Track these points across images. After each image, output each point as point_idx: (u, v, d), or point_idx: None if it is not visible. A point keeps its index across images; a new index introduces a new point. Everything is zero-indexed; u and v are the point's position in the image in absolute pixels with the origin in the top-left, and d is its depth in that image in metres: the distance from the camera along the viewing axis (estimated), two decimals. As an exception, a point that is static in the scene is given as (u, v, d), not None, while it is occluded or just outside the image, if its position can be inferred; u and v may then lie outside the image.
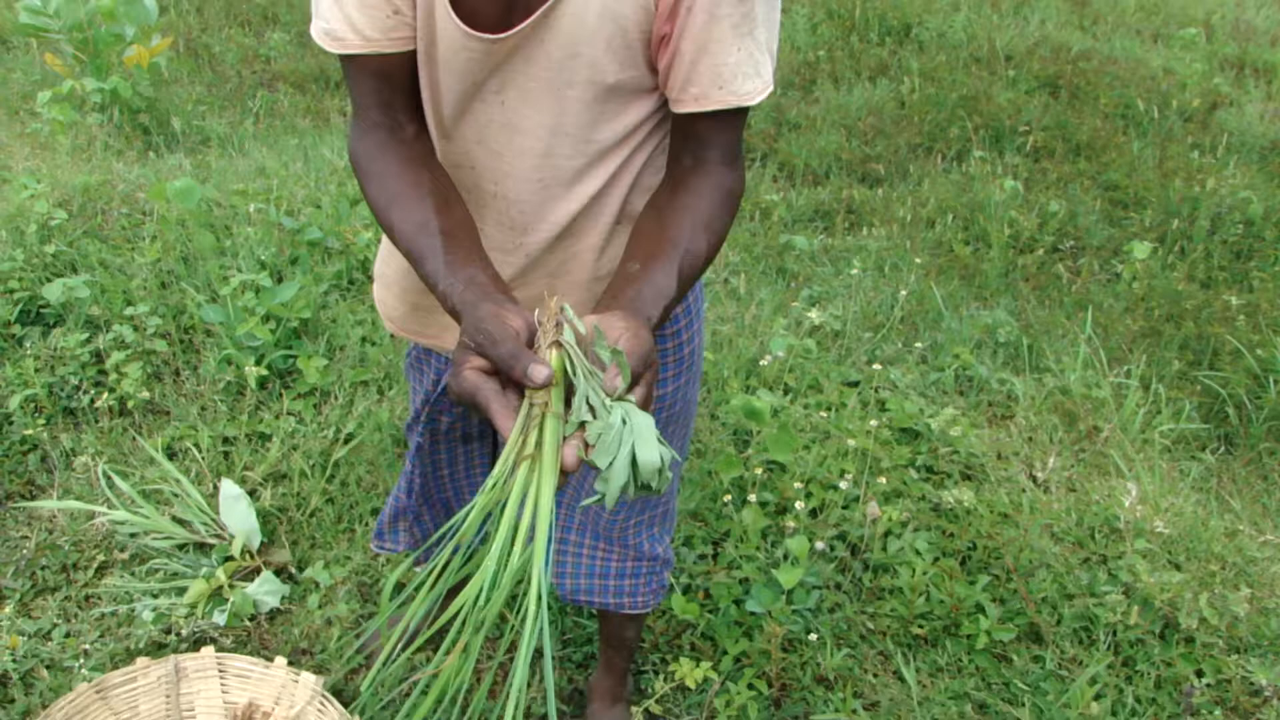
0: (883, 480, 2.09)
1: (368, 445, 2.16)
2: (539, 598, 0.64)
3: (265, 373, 2.29)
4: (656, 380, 0.76)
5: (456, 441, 1.33)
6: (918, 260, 3.19)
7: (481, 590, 0.65)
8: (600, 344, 0.73)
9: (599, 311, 0.80)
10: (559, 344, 0.73)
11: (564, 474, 0.70)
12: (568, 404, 0.73)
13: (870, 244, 3.29)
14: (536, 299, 1.06)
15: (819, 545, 1.91)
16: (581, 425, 0.71)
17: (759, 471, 2.10)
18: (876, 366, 2.49)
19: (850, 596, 1.91)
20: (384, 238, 1.15)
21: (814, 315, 2.68)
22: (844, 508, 2.09)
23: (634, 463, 0.68)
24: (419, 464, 1.33)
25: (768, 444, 2.05)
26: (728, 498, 2.05)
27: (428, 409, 1.25)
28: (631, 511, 1.29)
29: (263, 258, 2.66)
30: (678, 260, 0.86)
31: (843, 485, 2.01)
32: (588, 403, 0.71)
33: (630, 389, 0.73)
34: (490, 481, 0.69)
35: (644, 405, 0.73)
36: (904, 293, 2.93)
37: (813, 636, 1.77)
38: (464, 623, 0.66)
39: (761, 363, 2.50)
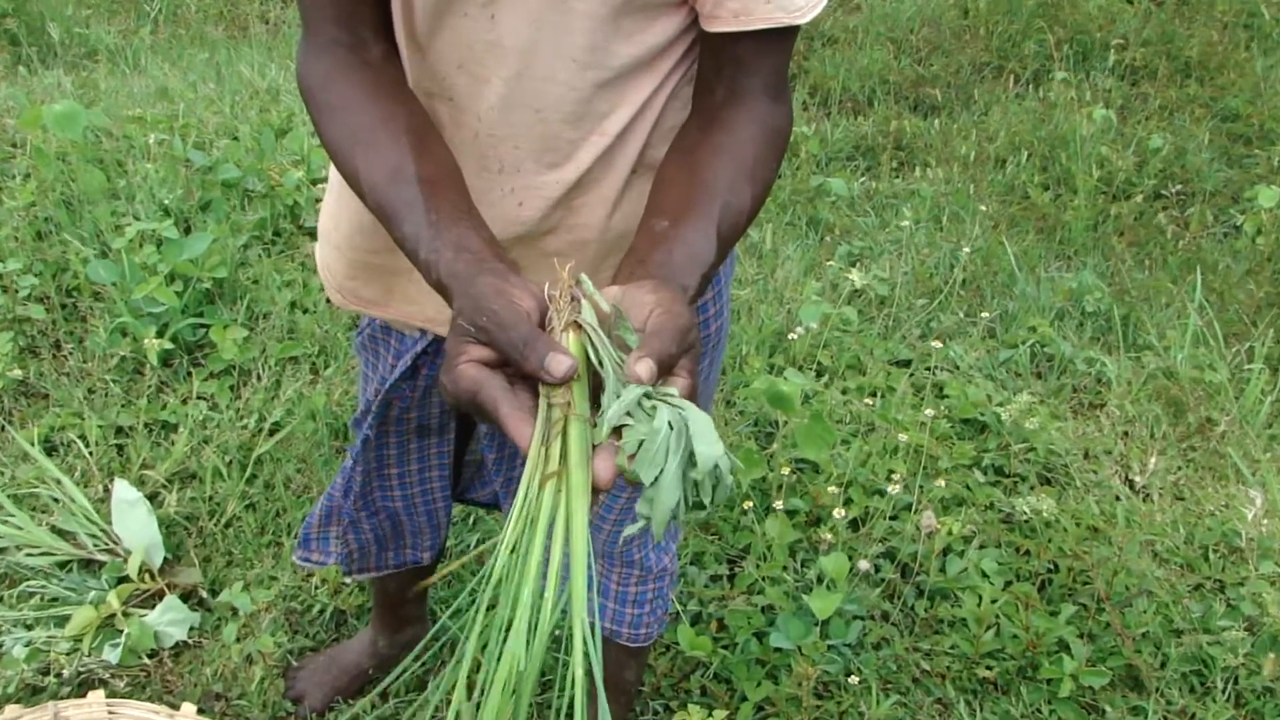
0: (941, 484, 2.08)
1: (298, 438, 2.15)
2: (586, 661, 0.65)
3: (170, 346, 2.27)
4: (698, 365, 0.74)
5: (410, 434, 1.32)
6: (984, 208, 3.18)
7: (515, 654, 0.65)
8: (624, 325, 0.74)
9: (623, 282, 0.79)
10: (578, 325, 0.74)
11: (596, 493, 0.70)
12: (594, 402, 0.73)
13: (924, 188, 3.26)
14: (535, 266, 1.04)
15: (861, 565, 1.90)
16: (616, 430, 0.71)
17: (786, 472, 2.08)
18: (933, 343, 2.46)
19: (901, 629, 1.90)
20: (330, 188, 1.14)
21: (854, 277, 2.65)
22: (892, 518, 2.07)
23: (685, 474, 0.69)
24: (362, 459, 1.33)
25: (797, 438, 2.01)
26: (748, 505, 2.03)
27: (380, 396, 1.24)
28: (631, 518, 1.30)
29: (166, 202, 2.63)
30: (715, 216, 0.85)
31: (891, 490, 2.00)
32: (618, 399, 0.71)
33: (665, 376, 0.73)
34: (515, 511, 0.69)
35: (691, 395, 0.73)
36: (966, 250, 2.91)
37: (854, 679, 1.75)
38: (503, 691, 0.66)
39: (790, 336, 2.48)
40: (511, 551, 0.68)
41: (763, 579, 1.91)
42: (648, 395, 0.71)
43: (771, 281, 2.73)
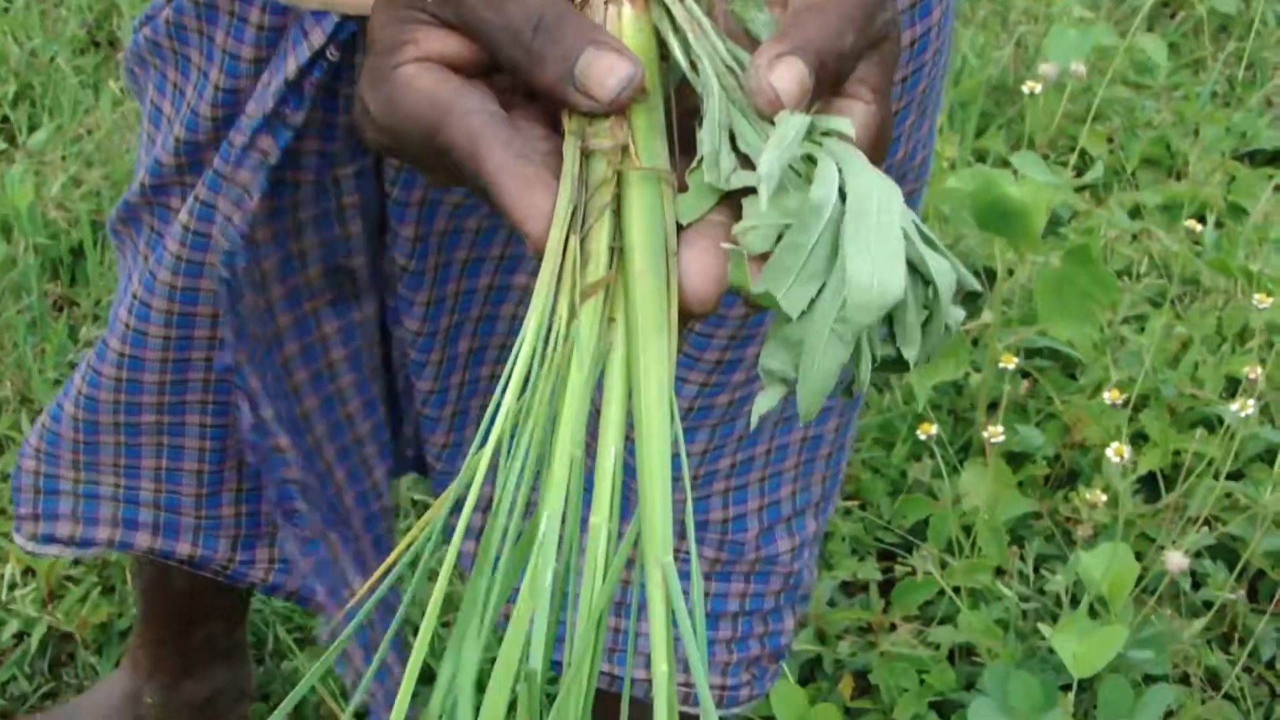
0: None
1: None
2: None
3: None
4: (891, 78, 0.77)
5: (270, 287, 1.32)
6: None
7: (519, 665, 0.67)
8: None
9: None
10: None
11: (685, 323, 0.72)
12: (679, 144, 0.75)
13: None
14: None
15: (1170, 562, 1.88)
16: (727, 198, 0.72)
17: (1010, 366, 2.05)
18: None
19: (1249, 704, 1.91)
20: None
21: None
22: (1234, 476, 2.05)
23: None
24: (146, 260, 1.32)
25: (1036, 300, 2.03)
26: (926, 432, 2.00)
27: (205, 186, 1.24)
28: (747, 382, 1.32)
29: None
30: None
31: (1236, 409, 1.97)
32: (731, 142, 0.73)
33: (829, 97, 0.74)
34: (520, 361, 0.70)
35: (879, 137, 0.74)
36: None
37: None
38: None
39: (1024, 88, 2.44)
40: (511, 441, 0.69)
41: (953, 592, 1.88)
42: (810, 131, 0.72)
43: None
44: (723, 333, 1.27)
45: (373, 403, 1.43)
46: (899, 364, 0.71)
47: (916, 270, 0.71)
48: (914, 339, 0.71)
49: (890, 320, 0.71)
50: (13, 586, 1.91)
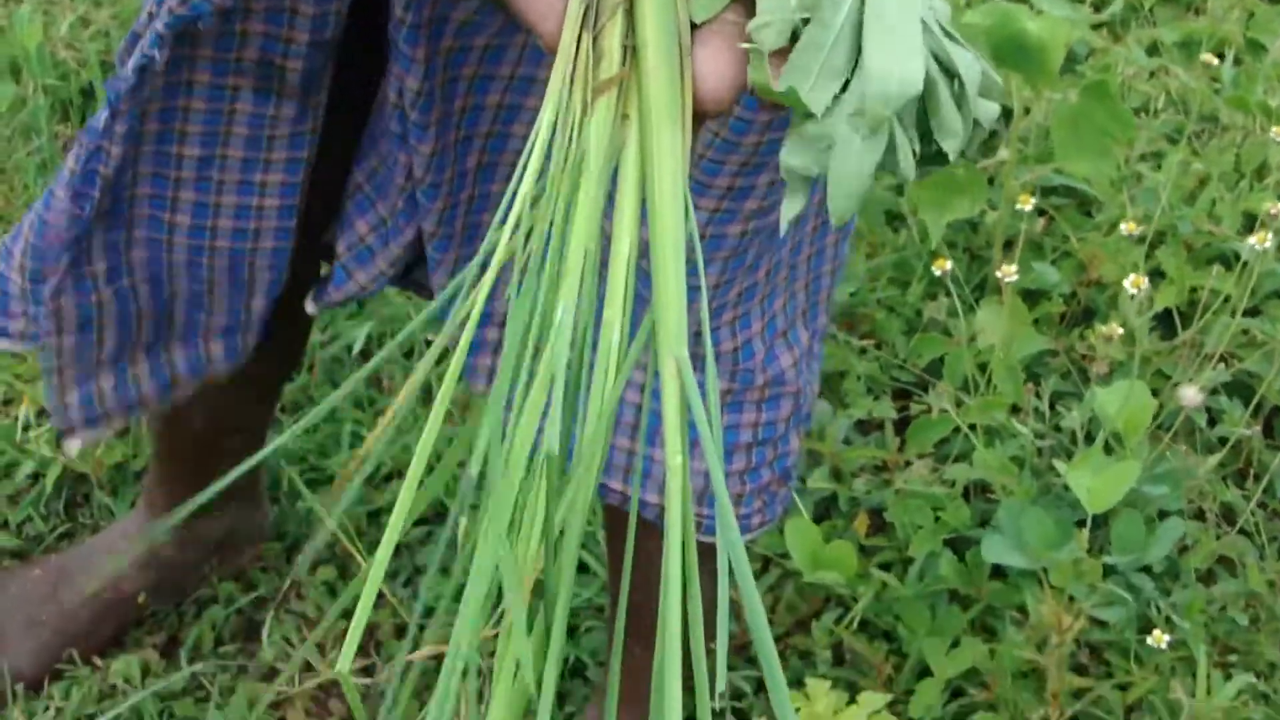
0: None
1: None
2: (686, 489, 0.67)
3: None
4: None
5: (237, 82, 1.32)
6: None
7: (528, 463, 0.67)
8: None
9: None
10: None
11: (700, 122, 0.73)
12: None
13: None
14: None
15: (1185, 397, 1.90)
16: None
17: (1028, 207, 2.04)
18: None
19: (1261, 540, 1.92)
20: None
21: None
22: (1250, 312, 2.08)
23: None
24: (128, 109, 1.32)
25: (1052, 135, 2.05)
26: (941, 267, 1.99)
27: None
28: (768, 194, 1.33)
29: None
30: None
31: (1253, 244, 2.00)
32: None
33: None
34: (534, 153, 0.72)
35: None
36: None
37: (1160, 639, 1.74)
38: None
39: None
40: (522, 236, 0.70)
41: (968, 430, 1.90)
42: None
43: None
44: (734, 159, 1.28)
45: (249, 185, 1.43)
46: (938, 157, 0.71)
47: (942, 64, 0.72)
48: (954, 129, 0.72)
49: (926, 114, 0.72)
50: (27, 427, 1.94)
